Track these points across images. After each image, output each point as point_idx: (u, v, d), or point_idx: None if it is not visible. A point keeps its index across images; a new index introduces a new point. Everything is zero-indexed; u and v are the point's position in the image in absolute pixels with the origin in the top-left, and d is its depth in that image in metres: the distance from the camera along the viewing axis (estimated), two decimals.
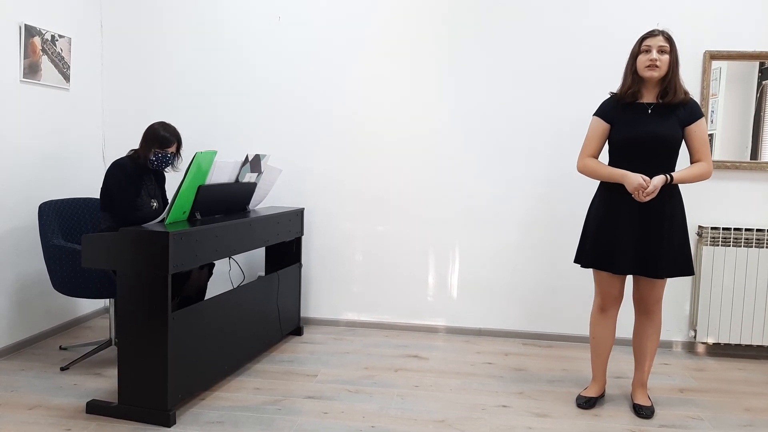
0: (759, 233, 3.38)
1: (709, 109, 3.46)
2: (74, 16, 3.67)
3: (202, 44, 3.88)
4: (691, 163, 2.55)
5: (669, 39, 2.48)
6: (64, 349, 3.31)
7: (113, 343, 3.20)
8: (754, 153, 3.45)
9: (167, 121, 3.20)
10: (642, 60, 2.49)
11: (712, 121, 3.47)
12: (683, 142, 2.54)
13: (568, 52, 3.57)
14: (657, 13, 3.48)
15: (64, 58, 3.55)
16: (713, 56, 3.43)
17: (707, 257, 3.42)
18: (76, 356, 3.19)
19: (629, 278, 3.35)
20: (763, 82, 3.41)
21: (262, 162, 3.22)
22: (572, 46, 3.57)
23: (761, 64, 3.40)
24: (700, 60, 3.46)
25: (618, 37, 3.51)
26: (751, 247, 3.39)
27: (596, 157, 2.64)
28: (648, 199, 2.43)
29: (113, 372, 2.98)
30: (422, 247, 3.80)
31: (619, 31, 3.51)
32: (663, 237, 2.48)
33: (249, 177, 3.16)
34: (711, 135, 3.46)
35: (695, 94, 3.46)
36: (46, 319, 3.51)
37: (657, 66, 2.45)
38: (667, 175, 2.45)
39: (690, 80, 3.46)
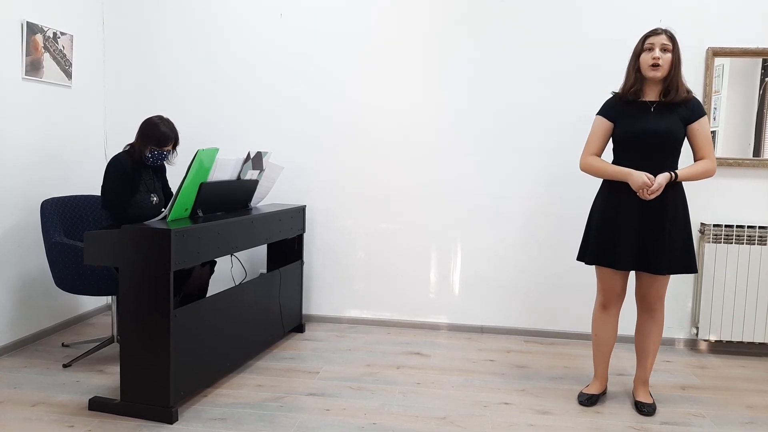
0: (761, 230, 3.38)
1: (712, 106, 3.45)
2: (76, 13, 3.67)
3: (204, 42, 3.88)
4: (695, 161, 2.55)
5: (672, 38, 2.48)
6: (67, 346, 3.32)
7: (115, 340, 3.21)
8: (757, 150, 3.44)
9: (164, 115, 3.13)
10: (645, 58, 2.49)
11: (714, 118, 3.46)
12: (685, 140, 2.54)
13: (572, 49, 3.56)
14: (660, 8, 3.47)
15: (66, 55, 3.55)
16: (716, 53, 3.42)
17: (709, 254, 3.41)
18: (78, 353, 3.20)
19: (632, 276, 3.34)
20: (766, 79, 3.40)
21: (263, 159, 3.22)
22: (575, 43, 3.56)
23: (764, 61, 3.39)
24: (703, 56, 3.45)
25: (622, 33, 3.49)
26: (754, 244, 3.38)
27: (599, 155, 2.64)
28: (653, 197, 2.43)
29: (116, 369, 2.99)
30: (424, 245, 3.80)
31: (623, 26, 3.50)
32: (665, 233, 2.48)
33: (251, 174, 3.16)
34: (713, 132, 3.46)
35: (698, 91, 3.45)
36: (48, 316, 3.51)
37: (659, 65, 2.45)
38: (672, 173, 2.45)
39: (692, 76, 3.45)
